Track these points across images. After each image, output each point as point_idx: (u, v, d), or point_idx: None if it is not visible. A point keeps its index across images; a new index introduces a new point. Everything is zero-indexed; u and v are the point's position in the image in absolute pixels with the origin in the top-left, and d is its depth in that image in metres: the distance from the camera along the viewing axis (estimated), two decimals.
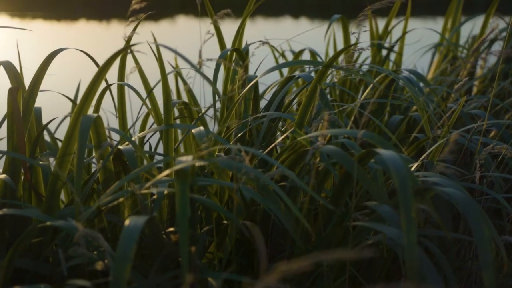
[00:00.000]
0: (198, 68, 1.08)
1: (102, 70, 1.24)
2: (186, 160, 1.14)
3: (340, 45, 2.75)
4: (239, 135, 1.69)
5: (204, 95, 2.26)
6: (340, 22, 2.64)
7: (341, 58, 2.62)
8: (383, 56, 2.60)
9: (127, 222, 1.04)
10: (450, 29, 2.93)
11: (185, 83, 1.98)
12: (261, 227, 1.48)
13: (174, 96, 2.32)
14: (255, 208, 1.39)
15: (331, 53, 2.78)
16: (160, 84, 1.51)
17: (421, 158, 1.57)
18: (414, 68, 2.95)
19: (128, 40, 1.54)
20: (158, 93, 1.56)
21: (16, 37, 1.95)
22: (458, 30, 2.92)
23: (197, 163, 1.35)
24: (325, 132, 1.22)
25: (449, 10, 2.94)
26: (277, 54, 2.76)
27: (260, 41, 1.52)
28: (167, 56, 1.84)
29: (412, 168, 1.52)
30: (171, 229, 1.30)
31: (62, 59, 1.74)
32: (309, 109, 1.51)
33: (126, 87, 1.67)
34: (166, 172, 1.12)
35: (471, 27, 3.17)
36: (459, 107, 1.59)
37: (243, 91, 1.60)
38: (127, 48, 1.20)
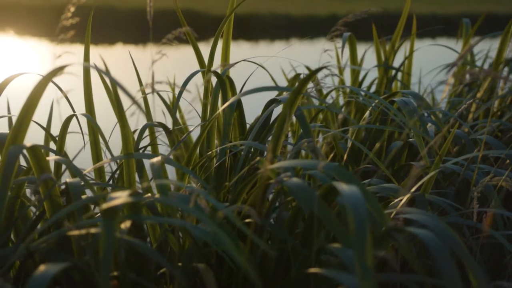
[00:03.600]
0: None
1: (34, 96, 1.11)
2: (119, 196, 1.00)
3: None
4: (219, 162, 1.56)
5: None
6: (348, 41, 2.49)
7: (347, 79, 2.47)
8: (391, 77, 2.43)
9: (37, 272, 0.91)
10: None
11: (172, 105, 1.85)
12: (228, 266, 1.33)
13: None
14: (209, 250, 1.24)
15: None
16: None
17: (411, 190, 1.41)
18: (429, 89, 2.78)
19: (78, 61, 1.43)
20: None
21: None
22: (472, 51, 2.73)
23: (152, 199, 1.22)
24: (278, 165, 1.08)
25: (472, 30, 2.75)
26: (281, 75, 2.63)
27: (234, 62, 1.38)
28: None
29: (402, 202, 1.36)
30: (115, 273, 1.16)
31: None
32: (281, 137, 1.37)
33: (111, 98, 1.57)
34: (89, 213, 0.99)
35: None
36: (452, 132, 1.42)
37: (214, 116, 1.46)
38: (59, 69, 1.08)
